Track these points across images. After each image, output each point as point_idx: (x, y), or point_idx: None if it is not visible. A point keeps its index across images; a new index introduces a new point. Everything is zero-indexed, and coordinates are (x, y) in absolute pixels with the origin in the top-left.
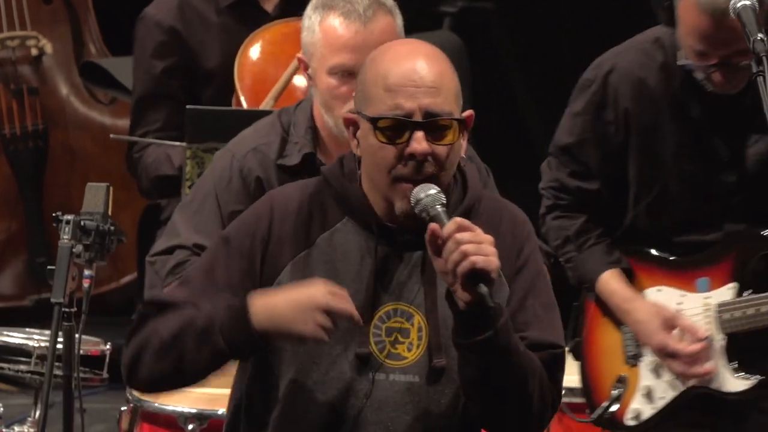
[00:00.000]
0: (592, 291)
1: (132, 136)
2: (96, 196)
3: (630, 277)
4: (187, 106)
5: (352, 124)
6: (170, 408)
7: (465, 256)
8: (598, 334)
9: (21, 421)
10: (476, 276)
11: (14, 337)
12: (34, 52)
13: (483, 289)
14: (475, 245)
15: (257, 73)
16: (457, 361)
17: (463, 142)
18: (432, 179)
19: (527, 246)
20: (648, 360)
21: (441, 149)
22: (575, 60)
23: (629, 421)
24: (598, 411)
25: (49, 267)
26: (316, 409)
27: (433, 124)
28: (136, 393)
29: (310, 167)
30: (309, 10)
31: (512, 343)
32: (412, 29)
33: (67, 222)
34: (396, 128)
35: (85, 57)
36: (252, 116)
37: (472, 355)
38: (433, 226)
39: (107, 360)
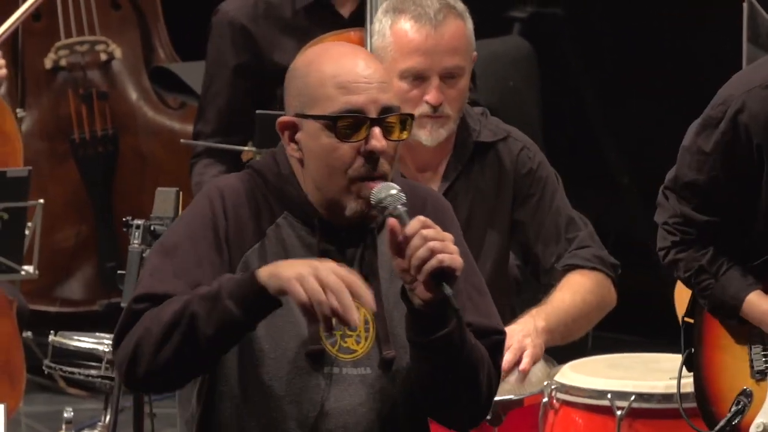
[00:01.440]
0: (734, 317)
1: (193, 132)
2: (166, 200)
3: None
4: (257, 111)
5: (287, 128)
6: None
7: (432, 253)
8: (719, 348)
9: (91, 426)
10: (442, 274)
11: (85, 342)
12: (103, 57)
13: (448, 290)
14: (440, 243)
15: None
16: (411, 355)
17: None
18: (385, 177)
19: (452, 229)
20: None
21: (392, 145)
22: (645, 64)
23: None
24: (721, 423)
25: (119, 272)
26: (274, 406)
27: (386, 120)
28: None
29: None
30: (379, 14)
31: (465, 339)
32: (481, 34)
33: (137, 227)
34: (354, 126)
35: (154, 62)
36: None
37: (427, 351)
38: (392, 222)
39: None
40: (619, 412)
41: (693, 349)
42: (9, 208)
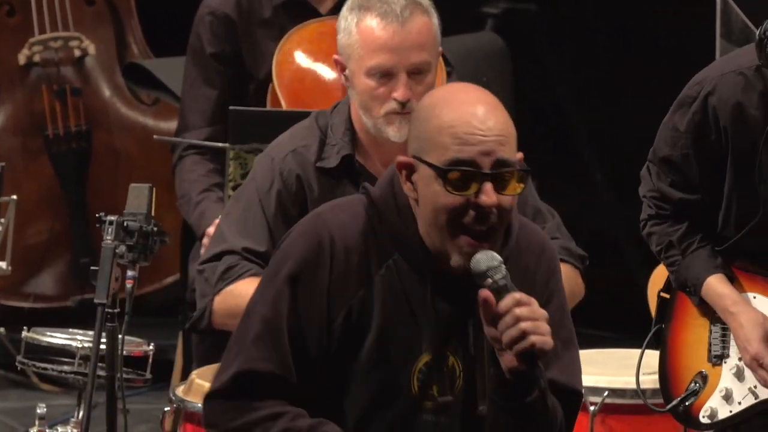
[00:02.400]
0: (695, 294)
1: (179, 125)
2: (139, 196)
3: (731, 280)
4: (231, 107)
5: (405, 167)
6: None
7: (524, 334)
8: (685, 326)
9: (64, 422)
10: (531, 355)
11: (57, 338)
12: (76, 53)
13: (539, 371)
14: (533, 323)
15: (295, 72)
16: (490, 415)
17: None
18: (493, 230)
19: (554, 277)
20: (733, 363)
21: (506, 200)
22: (617, 61)
23: (703, 418)
24: (674, 402)
25: (92, 268)
26: None
27: (500, 175)
28: (179, 393)
29: (348, 169)
30: (345, 11)
31: (547, 405)
32: (454, 30)
33: (111, 223)
34: (464, 179)
35: (128, 58)
36: (295, 117)
37: (507, 415)
38: (484, 295)
39: (150, 361)
40: (592, 408)
41: (663, 325)
42: None
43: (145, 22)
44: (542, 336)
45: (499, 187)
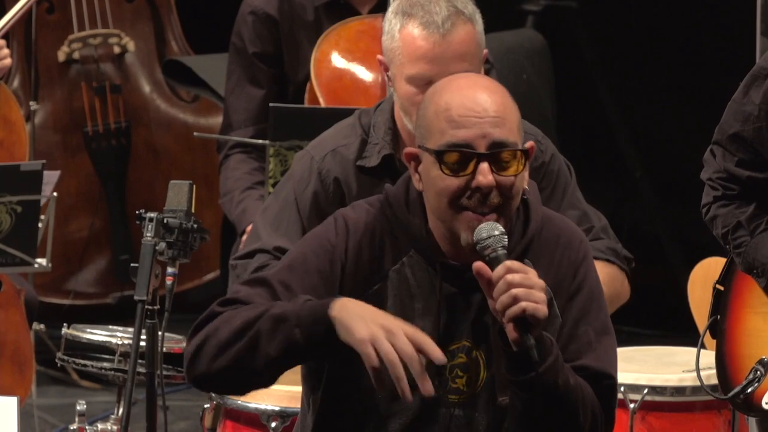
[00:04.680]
0: (763, 275)
1: (224, 123)
2: (179, 193)
3: None
4: (271, 104)
5: (413, 158)
6: (253, 405)
7: (515, 300)
8: (743, 316)
9: (104, 419)
10: (524, 322)
11: (98, 335)
12: (116, 50)
13: (530, 341)
14: (525, 290)
15: (333, 70)
16: (511, 399)
17: (525, 173)
18: (497, 210)
19: (582, 268)
20: None
21: (506, 180)
22: (657, 58)
23: (766, 404)
24: (735, 390)
25: (132, 264)
26: None
27: (498, 155)
28: None
29: (389, 169)
30: (390, 14)
31: (560, 381)
32: (495, 28)
33: (150, 220)
34: (461, 160)
35: (167, 55)
36: (335, 114)
37: (518, 390)
38: (477, 265)
39: None
40: (632, 405)
41: (719, 316)
42: (22, 201)
43: (185, 18)
44: (534, 303)
45: (498, 168)
